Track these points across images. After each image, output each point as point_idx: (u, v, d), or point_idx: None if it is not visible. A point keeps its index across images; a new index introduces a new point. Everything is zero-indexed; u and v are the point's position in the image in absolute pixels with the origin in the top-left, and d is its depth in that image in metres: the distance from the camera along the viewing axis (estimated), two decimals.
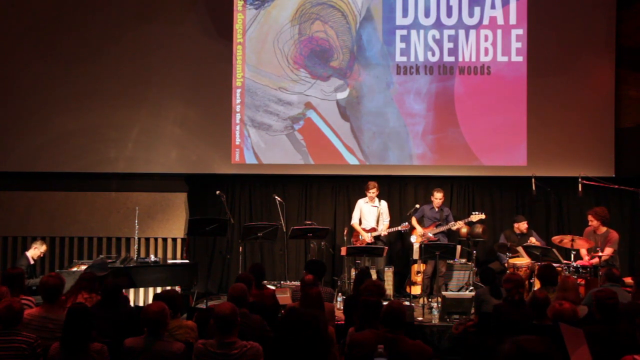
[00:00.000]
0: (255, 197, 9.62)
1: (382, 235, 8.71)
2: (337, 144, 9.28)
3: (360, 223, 8.89)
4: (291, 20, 9.31)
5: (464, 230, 8.74)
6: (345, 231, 9.04)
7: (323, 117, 9.28)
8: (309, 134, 9.30)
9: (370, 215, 8.81)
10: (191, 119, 9.36)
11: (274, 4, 9.32)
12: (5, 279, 5.40)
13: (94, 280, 5.68)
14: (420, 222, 8.91)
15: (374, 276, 8.27)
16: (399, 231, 8.79)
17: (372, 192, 8.71)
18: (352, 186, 9.50)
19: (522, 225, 8.63)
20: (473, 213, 8.71)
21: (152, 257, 8.76)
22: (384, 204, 8.88)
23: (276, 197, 9.02)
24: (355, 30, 9.27)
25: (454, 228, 8.70)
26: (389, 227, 8.79)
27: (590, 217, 8.04)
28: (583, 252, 8.04)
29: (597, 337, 4.26)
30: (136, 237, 8.72)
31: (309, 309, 4.32)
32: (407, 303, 7.72)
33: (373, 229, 8.75)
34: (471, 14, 9.17)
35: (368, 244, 8.59)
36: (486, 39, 9.16)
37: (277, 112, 9.32)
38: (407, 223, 8.66)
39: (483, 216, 8.65)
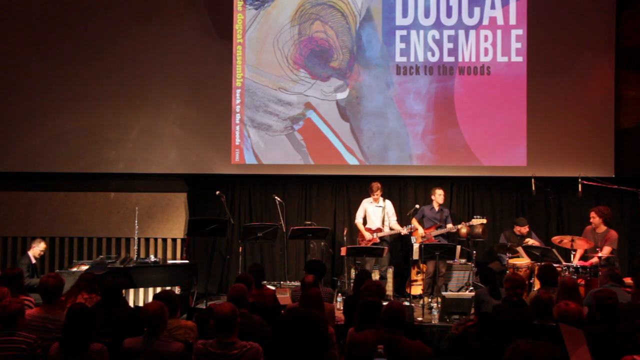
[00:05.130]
0: (255, 197, 9.63)
1: (402, 233, 8.70)
2: (337, 144, 9.28)
3: (365, 223, 8.90)
4: (291, 21, 9.31)
5: (464, 230, 8.74)
6: (345, 231, 9.05)
7: (323, 118, 9.28)
8: (308, 134, 9.30)
9: (375, 216, 8.83)
10: (191, 120, 9.36)
11: (274, 4, 9.32)
12: (5, 279, 5.39)
13: (94, 280, 5.68)
14: (420, 223, 8.91)
15: (377, 277, 8.29)
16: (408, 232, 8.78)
17: (377, 194, 8.75)
18: (352, 186, 9.50)
19: (524, 229, 8.61)
20: (475, 217, 8.70)
21: (152, 258, 8.76)
22: (388, 203, 8.90)
23: (276, 197, 9.02)
24: (355, 31, 9.27)
25: (449, 227, 8.69)
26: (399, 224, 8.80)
27: (592, 214, 8.05)
28: (579, 252, 8.04)
29: (597, 337, 4.26)
30: (136, 238, 8.73)
31: (309, 309, 4.32)
32: (407, 303, 7.73)
33: (379, 229, 8.76)
34: (471, 14, 9.17)
35: (374, 243, 8.60)
36: (486, 39, 9.16)
37: (277, 113, 9.32)
38: (411, 225, 8.67)
39: (484, 221, 8.63)
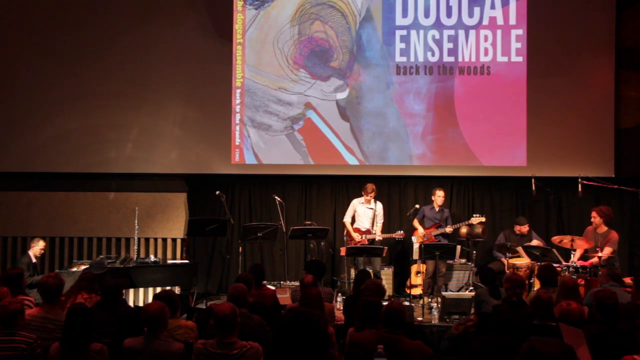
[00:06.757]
0: (255, 197, 9.63)
1: (376, 239, 8.71)
2: (336, 144, 9.28)
3: (353, 223, 8.88)
4: (291, 21, 9.31)
5: (464, 230, 8.74)
6: (345, 231, 9.04)
7: (323, 118, 9.28)
8: (308, 134, 9.30)
9: (364, 216, 8.80)
10: (191, 119, 9.36)
11: (274, 4, 9.32)
12: (5, 279, 5.39)
13: (93, 280, 5.68)
14: (420, 222, 8.91)
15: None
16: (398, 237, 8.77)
17: (371, 195, 8.73)
18: (352, 186, 9.49)
19: (524, 228, 8.62)
20: (474, 215, 8.70)
21: (152, 258, 8.77)
22: (379, 205, 8.87)
23: (276, 197, 9.02)
24: (355, 31, 9.27)
25: (449, 231, 8.67)
26: (382, 229, 8.80)
27: (593, 214, 8.04)
28: (579, 253, 8.03)
29: (597, 337, 4.26)
30: (136, 238, 8.73)
31: (309, 309, 4.32)
32: (407, 303, 7.72)
33: (368, 231, 8.75)
34: (471, 14, 9.17)
35: (363, 245, 8.58)
36: (486, 39, 9.16)
37: (277, 113, 9.32)
38: (402, 232, 8.66)
39: (483, 219, 8.64)
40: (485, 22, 9.15)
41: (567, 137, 9.12)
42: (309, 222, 9.06)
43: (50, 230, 9.50)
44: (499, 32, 9.16)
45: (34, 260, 8.15)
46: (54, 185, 9.58)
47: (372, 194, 8.74)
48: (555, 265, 7.00)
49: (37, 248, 8.20)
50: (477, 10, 9.16)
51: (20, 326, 4.31)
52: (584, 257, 8.07)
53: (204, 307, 7.15)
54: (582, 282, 7.12)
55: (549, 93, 9.10)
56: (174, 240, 9.63)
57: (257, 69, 9.32)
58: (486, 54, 9.16)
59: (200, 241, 9.38)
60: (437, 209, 8.84)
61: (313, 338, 3.30)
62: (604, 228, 8.01)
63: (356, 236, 8.72)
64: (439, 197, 8.79)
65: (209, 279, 9.02)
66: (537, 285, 7.11)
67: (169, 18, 9.32)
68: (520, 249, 8.16)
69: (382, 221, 8.84)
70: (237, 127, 9.34)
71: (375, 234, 8.69)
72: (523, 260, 8.12)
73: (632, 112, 9.17)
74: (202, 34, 9.30)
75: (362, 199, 8.83)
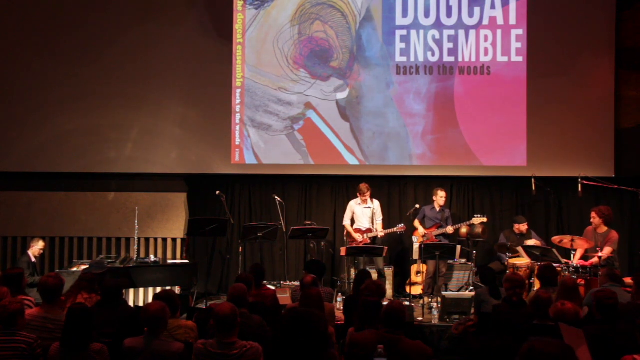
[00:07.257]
0: (255, 197, 9.63)
1: (379, 236, 8.70)
2: (337, 144, 9.28)
3: (352, 224, 8.87)
4: (291, 21, 9.31)
5: (464, 230, 8.74)
6: (345, 232, 9.04)
7: (323, 117, 9.28)
8: (308, 134, 9.30)
9: (363, 216, 8.78)
10: (191, 119, 9.36)
11: (274, 4, 9.32)
12: (6, 279, 5.39)
13: (93, 280, 5.68)
14: (421, 222, 8.90)
15: (374, 276, 8.28)
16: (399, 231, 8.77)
17: (367, 195, 8.70)
18: (352, 186, 9.47)
19: (523, 227, 8.62)
20: (475, 216, 8.70)
21: (152, 258, 8.77)
22: (376, 203, 8.86)
23: (276, 197, 9.02)
24: (355, 31, 9.27)
25: (450, 231, 8.66)
26: (383, 226, 8.79)
27: (593, 214, 8.03)
28: (580, 253, 8.03)
29: (597, 337, 4.26)
30: (136, 237, 8.73)
31: (309, 309, 4.32)
32: (407, 303, 7.72)
33: (369, 230, 8.74)
34: (471, 14, 9.17)
35: (366, 244, 8.58)
36: (486, 39, 9.16)
37: (277, 112, 9.32)
38: (402, 225, 8.65)
39: (485, 219, 8.64)
40: (485, 22, 9.15)
41: (567, 137, 9.12)
42: (309, 222, 9.06)
43: (50, 230, 9.50)
44: (499, 32, 9.16)
45: (33, 259, 8.15)
46: (54, 185, 9.59)
47: (368, 193, 8.71)
48: (555, 265, 7.00)
49: (36, 248, 8.21)
50: (477, 10, 9.16)
51: (20, 326, 4.30)
52: (584, 257, 8.07)
53: (204, 307, 7.15)
54: (582, 282, 7.12)
55: (549, 93, 9.10)
56: (174, 240, 9.63)
57: (257, 69, 9.32)
58: (486, 54, 9.16)
59: (200, 241, 9.39)
60: (437, 209, 8.84)
61: (313, 338, 3.30)
62: (604, 228, 8.01)
63: (357, 236, 8.71)
64: (440, 197, 8.78)
65: (209, 279, 9.03)
66: (537, 285, 7.11)
67: (169, 18, 9.32)
68: (520, 249, 8.16)
69: (381, 217, 8.84)
70: (237, 127, 9.34)
71: (376, 231, 8.69)
72: (523, 260, 8.12)
73: (632, 112, 9.17)
74: (202, 34, 9.31)
75: (358, 200, 8.82)
